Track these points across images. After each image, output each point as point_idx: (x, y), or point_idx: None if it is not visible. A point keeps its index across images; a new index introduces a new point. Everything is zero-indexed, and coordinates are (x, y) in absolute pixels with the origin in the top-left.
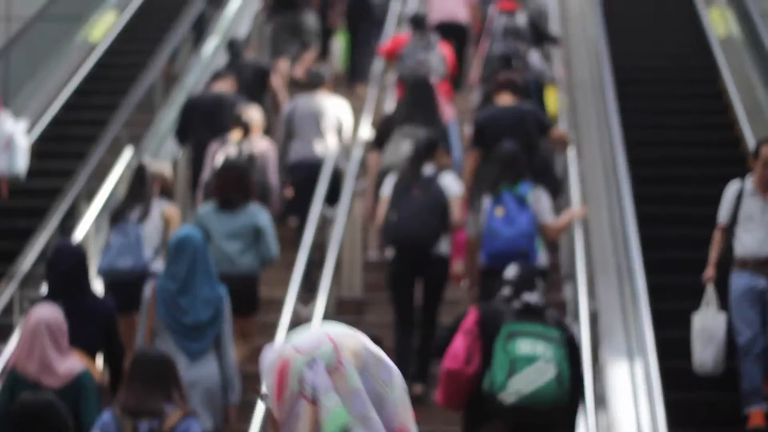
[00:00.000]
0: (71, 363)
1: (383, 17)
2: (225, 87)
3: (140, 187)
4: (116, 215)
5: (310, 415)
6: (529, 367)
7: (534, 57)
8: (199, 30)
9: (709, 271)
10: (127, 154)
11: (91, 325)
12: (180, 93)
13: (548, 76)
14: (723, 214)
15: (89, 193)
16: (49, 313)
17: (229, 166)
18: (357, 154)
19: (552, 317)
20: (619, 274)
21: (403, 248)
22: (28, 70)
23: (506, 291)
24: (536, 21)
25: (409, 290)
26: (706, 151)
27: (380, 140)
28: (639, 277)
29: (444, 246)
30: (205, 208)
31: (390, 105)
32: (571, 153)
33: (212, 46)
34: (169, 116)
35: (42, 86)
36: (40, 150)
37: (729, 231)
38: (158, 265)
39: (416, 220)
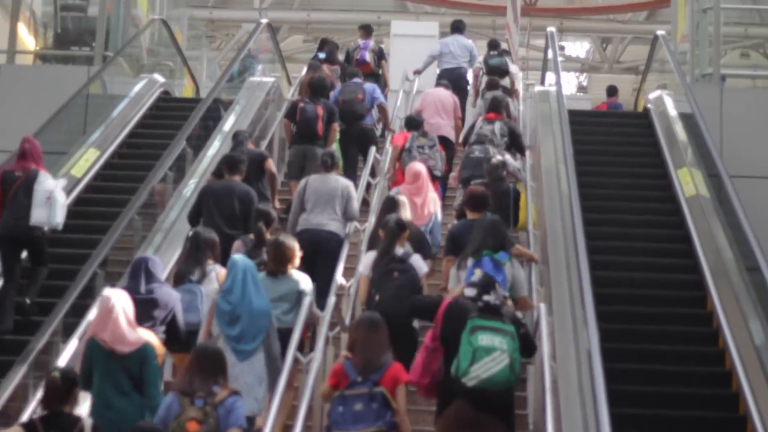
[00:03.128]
0: (138, 334)
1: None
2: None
3: (196, 252)
4: (179, 276)
5: None
6: (487, 356)
7: (511, 160)
8: (179, 170)
9: None
10: (104, 294)
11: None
12: (158, 234)
13: (523, 178)
14: None
15: (66, 328)
16: (120, 295)
17: (277, 242)
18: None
19: (508, 314)
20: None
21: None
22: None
23: (471, 292)
24: (514, 129)
25: None
26: (675, 312)
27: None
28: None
29: (415, 320)
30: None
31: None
32: (543, 309)
33: (192, 183)
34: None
35: None
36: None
37: None
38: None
39: (397, 300)
